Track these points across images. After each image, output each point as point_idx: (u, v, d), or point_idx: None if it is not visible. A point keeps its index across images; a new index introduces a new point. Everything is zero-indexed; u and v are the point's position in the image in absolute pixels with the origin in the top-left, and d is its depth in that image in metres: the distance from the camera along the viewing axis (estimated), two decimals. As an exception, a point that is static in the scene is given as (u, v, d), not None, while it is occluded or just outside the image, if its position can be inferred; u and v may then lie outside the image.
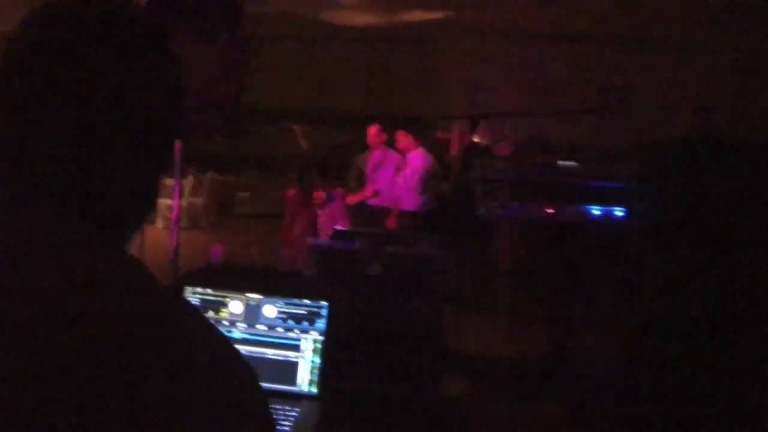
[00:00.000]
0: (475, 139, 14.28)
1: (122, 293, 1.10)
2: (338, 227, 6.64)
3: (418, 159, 10.92)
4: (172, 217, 6.84)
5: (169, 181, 17.29)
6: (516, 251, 11.07)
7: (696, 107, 3.60)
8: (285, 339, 3.37)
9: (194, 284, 3.49)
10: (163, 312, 1.13)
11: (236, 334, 3.39)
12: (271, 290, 3.44)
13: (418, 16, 19.10)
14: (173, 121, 1.30)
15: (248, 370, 1.19)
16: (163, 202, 17.60)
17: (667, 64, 20.84)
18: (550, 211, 7.13)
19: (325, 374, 3.36)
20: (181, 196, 17.40)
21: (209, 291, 3.45)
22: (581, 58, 21.21)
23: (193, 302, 3.43)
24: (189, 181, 18.96)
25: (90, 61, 1.19)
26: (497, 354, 9.20)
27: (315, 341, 3.35)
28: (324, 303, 3.35)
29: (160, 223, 17.68)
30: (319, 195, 10.27)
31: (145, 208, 1.32)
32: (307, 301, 3.37)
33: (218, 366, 1.12)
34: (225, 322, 3.41)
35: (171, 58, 1.31)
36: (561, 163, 7.85)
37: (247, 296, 3.41)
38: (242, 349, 3.34)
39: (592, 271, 11.30)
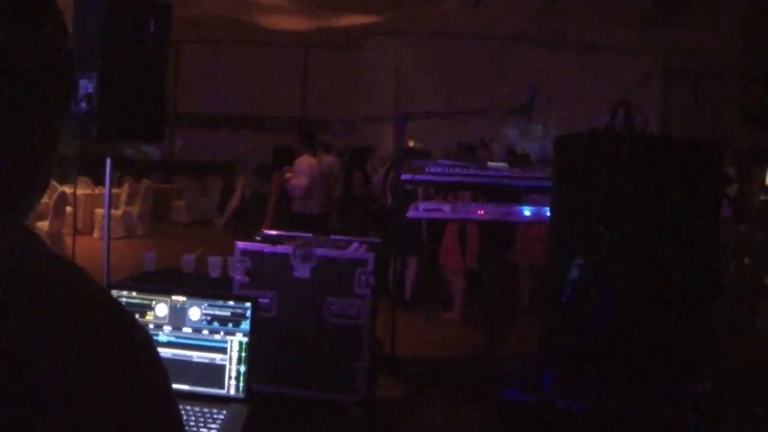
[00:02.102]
0: (410, 144, 14.32)
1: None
2: (267, 231, 6.65)
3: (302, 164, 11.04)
4: (104, 224, 6.79)
5: (104, 192, 17.27)
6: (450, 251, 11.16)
7: (616, 102, 3.66)
8: (211, 341, 3.37)
9: (119, 288, 3.49)
10: (45, 271, 1.11)
11: (162, 337, 3.39)
12: (195, 292, 3.44)
13: (349, 20, 19.07)
14: (58, 93, 1.27)
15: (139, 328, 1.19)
16: (99, 212, 17.51)
17: (594, 65, 21.07)
18: (481, 212, 7.18)
19: (251, 377, 3.37)
20: (116, 205, 17.38)
21: (134, 294, 3.44)
22: (508, 60, 21.39)
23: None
24: (124, 190, 18.86)
25: None
26: (436, 354, 9.27)
27: (240, 343, 3.36)
28: (248, 304, 3.36)
29: (96, 234, 17.57)
30: None
31: (35, 185, 1.28)
32: (231, 303, 3.38)
33: (109, 321, 1.12)
34: (151, 326, 3.41)
35: (56, 27, 1.27)
36: (491, 164, 7.91)
37: (172, 299, 3.41)
38: (168, 352, 3.37)
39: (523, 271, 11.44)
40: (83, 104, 5.85)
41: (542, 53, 21.01)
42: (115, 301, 1.23)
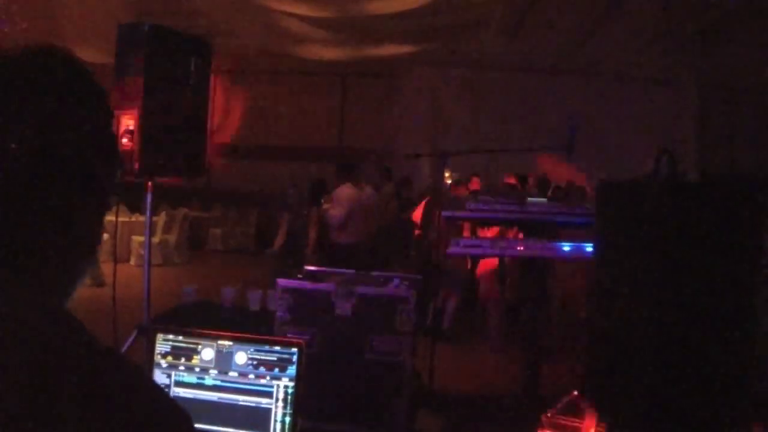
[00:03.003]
0: (447, 175, 14.31)
1: (46, 346, 1.07)
2: (308, 267, 6.64)
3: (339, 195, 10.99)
4: (145, 253, 6.81)
5: (141, 218, 17.36)
6: (489, 287, 11.14)
7: (658, 149, 3.65)
8: (257, 385, 3.37)
9: (165, 331, 3.50)
10: (91, 366, 1.10)
11: (208, 380, 3.39)
12: (241, 337, 3.45)
13: (387, 50, 19.11)
14: (103, 176, 1.28)
15: (182, 416, 1.19)
16: (136, 239, 17.64)
17: (632, 94, 20.99)
18: (520, 247, 7.16)
19: (297, 422, 3.37)
20: (153, 233, 17.49)
21: (180, 338, 3.45)
22: (546, 90, 21.35)
23: (164, 349, 3.45)
24: (161, 218, 18.97)
25: (11, 113, 1.16)
26: (474, 389, 9.24)
27: (287, 387, 3.35)
28: (294, 349, 3.36)
29: (133, 261, 17.70)
30: None
31: (80, 261, 1.30)
32: (277, 348, 3.38)
33: (148, 415, 1.12)
34: (197, 369, 3.41)
35: (103, 111, 1.30)
36: (530, 199, 7.90)
37: (218, 343, 3.42)
38: (214, 396, 3.37)
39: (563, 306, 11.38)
40: (125, 140, 5.88)
41: (580, 83, 20.95)
42: (158, 391, 1.25)
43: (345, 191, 10.95)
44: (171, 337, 3.46)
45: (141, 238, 17.39)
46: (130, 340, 6.20)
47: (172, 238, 19.15)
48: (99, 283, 12.13)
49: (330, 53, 19.19)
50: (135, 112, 5.89)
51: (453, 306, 11.52)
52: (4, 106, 1.17)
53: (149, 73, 5.94)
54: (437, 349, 7.85)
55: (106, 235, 14.61)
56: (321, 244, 11.64)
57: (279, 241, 12.17)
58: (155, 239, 18.15)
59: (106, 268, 13.10)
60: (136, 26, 6.08)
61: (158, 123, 6.04)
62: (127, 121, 5.92)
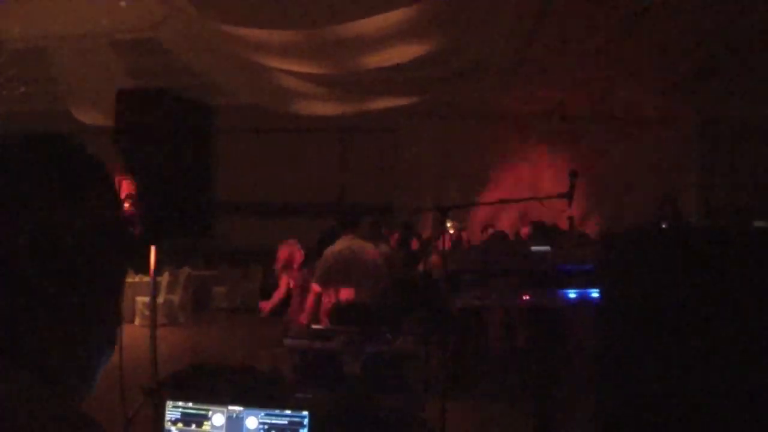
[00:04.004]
0: (448, 225, 14.29)
1: None
2: (314, 326, 6.62)
3: None
4: (149, 314, 6.81)
5: (145, 279, 17.34)
6: (496, 338, 11.13)
7: (664, 195, 3.66)
8: (269, 450, 3.36)
9: (175, 398, 3.48)
10: None
11: (220, 447, 3.38)
12: (251, 401, 3.43)
13: (384, 103, 19.17)
14: (113, 264, 1.24)
15: None
16: (140, 300, 17.62)
17: (633, 134, 21.03)
18: (526, 297, 7.15)
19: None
20: (157, 293, 17.46)
21: (190, 405, 3.44)
22: (546, 134, 21.42)
23: (174, 416, 3.43)
24: (164, 278, 18.96)
25: (13, 204, 1.13)
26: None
27: (299, 451, 3.34)
28: (305, 413, 3.34)
29: (137, 321, 17.68)
30: None
31: (97, 354, 1.25)
32: (288, 412, 3.36)
33: None
34: (208, 436, 3.39)
35: (108, 197, 1.25)
36: (534, 248, 7.89)
37: (228, 409, 3.40)
38: (226, 461, 3.35)
39: (572, 354, 11.34)
40: (126, 205, 5.89)
41: (581, 126, 21.01)
42: None
43: (326, 252, 10.76)
44: (180, 403, 3.45)
45: (145, 299, 17.38)
46: (139, 404, 6.17)
47: (176, 297, 19.12)
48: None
49: (328, 109, 19.27)
50: (136, 177, 5.90)
51: (450, 353, 11.42)
52: (6, 197, 1.14)
53: (149, 138, 5.95)
54: (450, 401, 7.81)
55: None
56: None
57: (279, 293, 12.08)
58: (159, 299, 18.14)
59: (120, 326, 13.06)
60: (133, 92, 6.10)
61: (160, 187, 6.05)
62: (129, 186, 5.93)
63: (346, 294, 10.52)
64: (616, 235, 4.34)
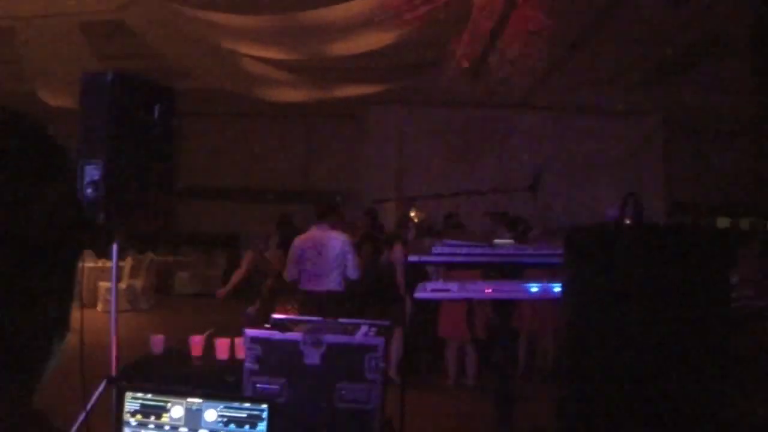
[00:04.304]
0: (412, 215, 14.28)
1: None
2: (276, 315, 6.60)
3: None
4: (111, 299, 6.76)
5: (108, 264, 17.26)
6: (458, 330, 11.16)
7: (627, 194, 3.68)
8: (227, 443, 3.35)
9: (134, 389, 3.47)
10: None
11: (178, 439, 3.37)
12: (210, 394, 3.42)
13: (350, 90, 19.15)
14: (69, 250, 1.21)
15: None
16: (103, 285, 17.54)
17: (597, 127, 21.11)
18: (488, 290, 7.14)
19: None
20: (120, 278, 17.39)
21: (149, 396, 3.42)
22: (512, 126, 21.46)
23: (133, 408, 3.42)
24: (128, 263, 18.88)
25: None
26: (446, 429, 9.21)
27: (257, 444, 3.33)
28: (264, 405, 3.34)
29: (100, 307, 17.60)
30: None
31: (49, 344, 1.22)
32: (247, 404, 3.35)
33: None
34: (167, 428, 3.38)
35: (66, 181, 1.22)
36: (497, 240, 7.90)
37: (187, 401, 3.39)
38: (184, 454, 3.34)
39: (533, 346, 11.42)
40: (89, 190, 5.85)
41: (544, 118, 21.07)
42: None
43: (295, 241, 10.71)
44: (140, 395, 3.44)
45: (108, 284, 17.29)
46: (98, 392, 6.14)
47: (138, 283, 19.05)
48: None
49: (294, 95, 19.22)
50: (100, 162, 5.86)
51: (399, 347, 11.41)
52: None
53: (113, 122, 5.91)
54: (408, 392, 7.81)
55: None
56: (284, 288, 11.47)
57: (238, 276, 12.04)
58: (122, 285, 18.10)
59: (74, 314, 13.01)
60: (99, 75, 6.05)
61: (123, 172, 6.01)
62: (92, 171, 5.89)
63: (313, 282, 10.51)
64: (578, 230, 4.36)
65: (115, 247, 6.63)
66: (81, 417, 5.72)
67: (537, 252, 7.22)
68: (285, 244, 11.51)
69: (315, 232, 10.47)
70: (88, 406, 5.64)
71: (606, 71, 17.69)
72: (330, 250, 10.29)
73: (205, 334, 7.37)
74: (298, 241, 10.57)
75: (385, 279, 11.62)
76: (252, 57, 16.69)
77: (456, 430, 9.30)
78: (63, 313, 1.24)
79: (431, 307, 11.30)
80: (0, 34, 15.77)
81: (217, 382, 5.96)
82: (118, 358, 6.53)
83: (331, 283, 10.30)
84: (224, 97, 19.71)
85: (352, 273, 10.25)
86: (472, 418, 9.56)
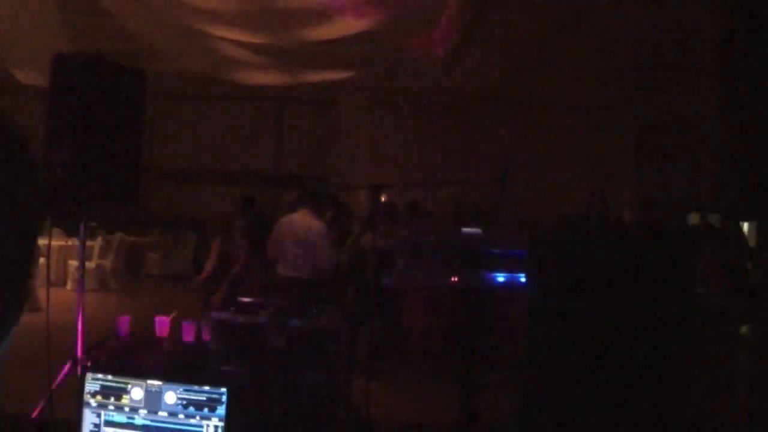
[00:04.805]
0: (383, 200, 14.27)
1: None
2: (242, 298, 6.63)
3: None
4: (78, 280, 6.77)
5: (77, 243, 17.22)
6: (423, 318, 11.20)
7: (593, 191, 3.72)
8: (187, 426, 3.37)
9: (95, 371, 3.48)
10: None
11: (138, 420, 3.39)
12: (170, 376, 3.44)
13: (323, 76, 19.11)
14: (26, 230, 1.22)
15: None
16: (72, 264, 17.48)
17: (568, 125, 21.17)
18: (455, 279, 7.19)
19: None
20: (89, 258, 17.32)
21: (110, 377, 3.44)
22: (483, 118, 21.48)
23: (94, 389, 3.44)
24: (97, 243, 18.80)
25: None
26: (409, 420, 9.23)
27: (216, 427, 3.35)
28: (223, 389, 3.36)
29: (69, 286, 17.54)
30: None
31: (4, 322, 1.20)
32: (206, 388, 3.37)
33: None
34: (126, 409, 3.40)
35: (24, 163, 1.22)
36: (464, 230, 7.95)
37: (147, 383, 3.41)
38: (144, 436, 3.36)
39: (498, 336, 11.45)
40: (58, 170, 5.85)
41: (517, 112, 21.08)
42: None
43: (279, 222, 10.72)
44: (100, 376, 3.45)
45: (77, 263, 17.25)
46: (64, 372, 6.15)
47: (108, 263, 18.98)
48: (34, 308, 11.96)
49: (267, 78, 19.15)
50: (69, 144, 5.87)
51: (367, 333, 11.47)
52: None
53: (83, 104, 5.92)
54: (375, 379, 7.85)
55: (42, 260, 14.48)
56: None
57: (209, 266, 12.00)
58: (91, 264, 18.02)
59: (41, 293, 12.99)
60: (69, 57, 6.06)
61: (92, 153, 6.02)
62: (61, 152, 5.89)
63: (288, 268, 10.49)
64: (543, 230, 4.40)
65: (82, 227, 6.63)
66: (45, 398, 5.75)
67: (505, 241, 7.28)
68: (251, 231, 11.50)
69: (296, 217, 10.44)
70: (53, 387, 5.66)
71: (579, 67, 17.72)
72: (307, 238, 10.26)
73: (171, 316, 7.38)
74: (281, 223, 10.58)
75: (357, 266, 11.63)
76: (224, 39, 16.63)
77: (420, 417, 9.32)
78: (17, 295, 1.23)
79: (399, 294, 11.34)
80: (-29, 9, 15.63)
81: (183, 364, 5.98)
82: (83, 339, 6.54)
83: (304, 269, 10.27)
84: (196, 79, 19.63)
85: (327, 263, 10.20)
86: (436, 406, 9.60)
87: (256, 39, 16.44)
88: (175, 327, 7.27)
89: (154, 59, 16.91)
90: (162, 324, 7.30)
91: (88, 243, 18.35)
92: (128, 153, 6.45)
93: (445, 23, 15.09)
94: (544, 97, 20.51)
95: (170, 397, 3.38)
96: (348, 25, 15.40)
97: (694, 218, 18.69)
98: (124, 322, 7.42)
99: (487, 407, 8.48)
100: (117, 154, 6.29)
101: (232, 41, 16.65)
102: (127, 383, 3.42)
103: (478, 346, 9.55)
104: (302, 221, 10.29)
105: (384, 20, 14.92)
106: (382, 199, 14.48)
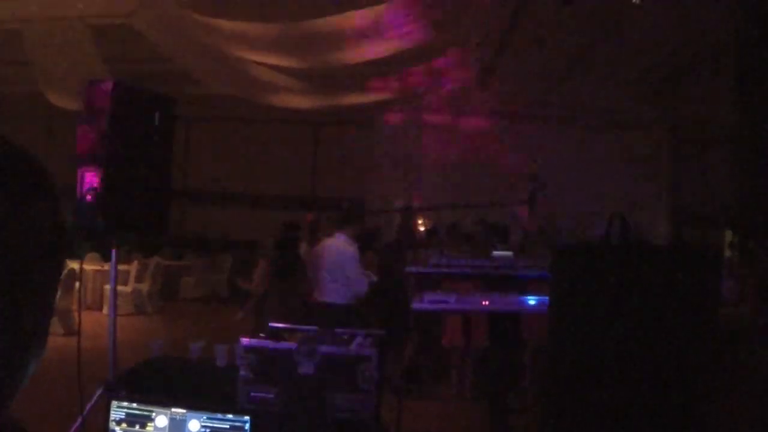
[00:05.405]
0: (419, 223, 14.29)
1: None
2: (273, 324, 6.61)
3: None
4: (116, 302, 6.81)
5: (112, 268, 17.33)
6: (458, 339, 11.16)
7: (613, 214, 3.69)
8: (210, 454, 3.37)
9: (119, 398, 3.49)
10: None
11: (162, 448, 3.39)
12: (194, 404, 3.43)
13: (358, 98, 19.17)
14: (46, 271, 1.20)
15: None
16: (108, 288, 17.57)
17: (604, 139, 21.07)
18: (486, 302, 7.16)
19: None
20: (125, 282, 17.43)
21: (134, 405, 3.44)
22: (519, 136, 21.40)
23: (118, 416, 3.44)
24: (134, 267, 18.91)
25: None
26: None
27: (240, 456, 3.35)
28: (246, 417, 3.35)
29: (106, 310, 17.63)
30: None
31: (24, 363, 1.19)
32: (230, 416, 3.37)
33: None
34: (151, 437, 3.40)
35: (48, 202, 1.21)
36: (496, 253, 7.91)
37: (171, 411, 3.41)
38: (167, 463, 3.36)
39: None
40: (88, 197, 5.88)
41: (551, 129, 20.99)
42: None
43: (318, 247, 10.70)
44: (125, 404, 3.45)
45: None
46: (94, 398, 6.17)
47: (144, 287, 19.08)
48: (71, 332, 12.05)
49: (301, 102, 19.24)
50: (99, 171, 5.90)
51: (407, 358, 11.44)
52: None
53: (112, 130, 5.95)
54: (406, 401, 7.81)
55: (77, 284, 14.59)
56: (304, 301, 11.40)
57: (258, 291, 11.94)
58: (128, 288, 18.15)
59: (77, 316, 13.10)
60: (100, 83, 6.10)
61: (122, 179, 6.05)
62: (91, 178, 5.92)
63: (319, 292, 10.45)
64: (566, 251, 4.37)
65: (114, 252, 6.66)
66: (77, 423, 5.76)
67: (534, 264, 7.23)
68: (277, 256, 11.56)
69: (329, 242, 10.42)
70: (84, 412, 5.67)
71: (612, 82, 17.66)
72: (340, 264, 10.21)
73: (203, 342, 7.38)
74: (315, 249, 10.59)
75: (393, 289, 11.56)
76: (259, 63, 16.72)
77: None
78: (40, 330, 1.22)
79: (436, 317, 11.32)
80: (9, 36, 15.80)
81: (214, 390, 5.97)
82: (119, 362, 6.57)
83: (338, 295, 10.21)
84: (232, 102, 19.75)
85: (359, 289, 10.14)
86: (467, 427, 9.55)
87: (291, 63, 16.55)
88: (209, 348, 7.27)
89: (190, 83, 17.04)
90: (195, 350, 7.30)
91: (126, 267, 18.56)
92: (158, 179, 6.48)
93: (476, 41, 15.10)
94: (578, 114, 20.42)
95: (194, 425, 3.38)
96: (380, 48, 15.45)
97: (729, 236, 18.50)
98: (157, 345, 7.43)
99: (521, 430, 8.44)
100: (146, 180, 6.32)
101: (267, 65, 16.75)
102: (152, 411, 3.42)
103: (510, 368, 9.51)
104: (335, 247, 10.25)
105: (416, 42, 14.96)
106: (420, 222, 14.50)
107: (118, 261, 7.00)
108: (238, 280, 12.47)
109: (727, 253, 14.25)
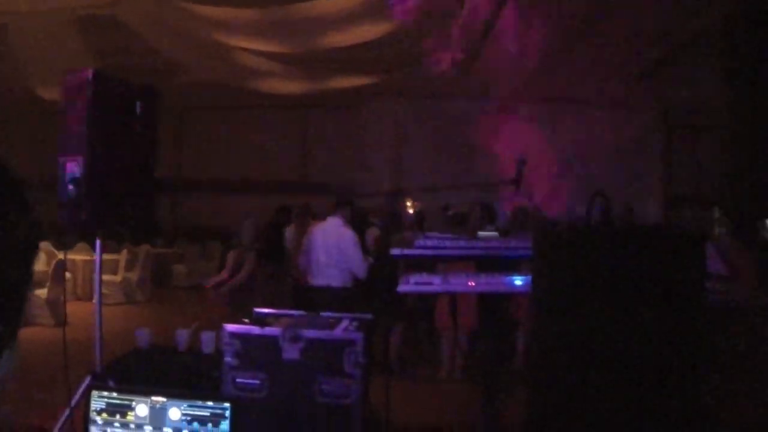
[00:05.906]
0: (408, 205, 14.28)
1: None
2: (257, 309, 6.60)
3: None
4: (108, 293, 6.80)
5: (104, 257, 17.29)
6: (448, 320, 11.17)
7: (594, 193, 3.68)
8: (191, 441, 3.36)
9: (99, 388, 3.48)
10: None
11: (142, 437, 3.39)
12: (174, 393, 3.43)
13: (347, 82, 19.14)
14: (15, 281, 1.22)
15: None
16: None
17: (594, 121, 21.02)
18: (472, 283, 7.13)
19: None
20: (115, 271, 17.38)
21: (114, 395, 3.44)
22: (507, 117, 21.35)
23: (99, 406, 3.43)
24: (123, 256, 18.88)
25: None
26: (434, 423, 9.21)
27: (220, 443, 3.34)
28: (227, 404, 3.35)
29: (96, 299, 17.59)
30: None
31: None
32: (210, 403, 3.36)
33: None
34: (132, 426, 3.39)
35: (18, 213, 1.22)
36: (481, 233, 7.87)
37: (151, 399, 3.40)
38: (149, 452, 3.35)
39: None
40: (71, 188, 5.86)
41: (541, 111, 20.94)
42: None
43: (310, 230, 10.72)
44: (105, 393, 3.45)
45: (104, 277, 17.30)
46: (83, 387, 6.15)
47: (134, 275, 19.05)
48: (61, 323, 12.04)
49: (289, 87, 19.22)
50: (80, 159, 5.87)
51: (399, 340, 11.47)
52: None
53: (92, 117, 5.92)
54: (395, 383, 7.82)
55: (68, 275, 14.58)
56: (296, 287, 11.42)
57: (240, 278, 11.91)
58: (117, 278, 18.13)
59: (69, 307, 13.10)
60: (79, 72, 6.07)
61: (104, 170, 6.03)
62: (73, 169, 5.90)
63: (314, 276, 10.47)
64: (548, 231, 4.37)
65: (98, 242, 6.64)
66: (65, 414, 5.75)
67: (523, 244, 7.19)
68: (262, 240, 11.56)
69: (326, 225, 10.46)
70: (73, 403, 5.66)
71: (604, 64, 17.62)
72: (338, 246, 10.23)
73: (191, 328, 7.37)
74: (311, 231, 10.61)
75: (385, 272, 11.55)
76: (245, 49, 16.69)
77: (441, 420, 9.29)
78: (10, 329, 1.24)
79: (429, 298, 11.33)
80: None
81: (200, 378, 5.97)
82: (106, 352, 6.55)
83: (334, 278, 10.24)
84: (220, 90, 19.72)
85: (360, 271, 10.18)
86: (458, 409, 9.56)
87: (276, 48, 16.50)
88: (195, 339, 7.26)
89: (177, 72, 17.00)
90: (181, 337, 7.29)
91: (115, 257, 18.52)
92: (140, 169, 6.46)
93: (462, 22, 15.06)
94: (567, 95, 20.39)
95: (174, 413, 3.38)
96: (367, 31, 15.42)
97: (716, 212, 18.50)
98: (143, 334, 7.41)
99: (514, 409, 8.43)
100: (129, 169, 6.30)
101: (252, 51, 16.71)
102: (132, 400, 3.42)
103: (501, 349, 9.49)
104: (332, 230, 10.28)
105: (403, 24, 14.91)
106: (408, 205, 14.49)
107: (107, 250, 6.99)
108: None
109: (716, 230, 14.25)
